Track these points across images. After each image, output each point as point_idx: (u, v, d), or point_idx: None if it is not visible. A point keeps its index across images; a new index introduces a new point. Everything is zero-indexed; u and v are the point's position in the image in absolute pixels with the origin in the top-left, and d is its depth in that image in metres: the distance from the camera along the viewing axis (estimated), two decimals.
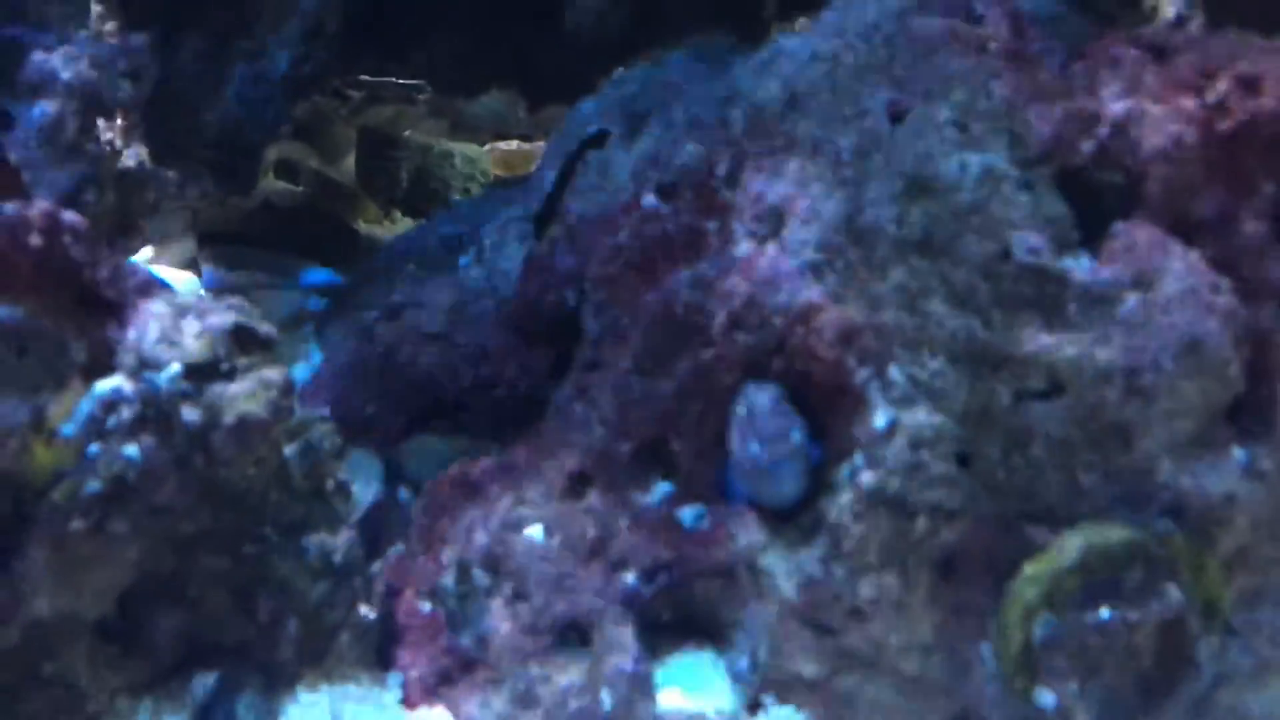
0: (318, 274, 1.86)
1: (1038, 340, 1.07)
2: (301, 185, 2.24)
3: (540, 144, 2.54)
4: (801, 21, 1.59)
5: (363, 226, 2.24)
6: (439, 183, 2.29)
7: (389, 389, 1.40)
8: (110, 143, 1.24)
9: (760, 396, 1.05)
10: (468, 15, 1.83)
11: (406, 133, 2.33)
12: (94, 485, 0.98)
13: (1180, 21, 1.53)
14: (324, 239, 2.12)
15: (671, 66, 1.47)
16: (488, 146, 2.54)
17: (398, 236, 1.80)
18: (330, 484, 1.20)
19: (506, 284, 1.46)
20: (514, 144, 2.56)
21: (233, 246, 1.95)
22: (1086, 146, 1.08)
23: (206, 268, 1.80)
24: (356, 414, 1.40)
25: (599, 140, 1.46)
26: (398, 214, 2.27)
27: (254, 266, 1.88)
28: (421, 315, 1.46)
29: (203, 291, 1.69)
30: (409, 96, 2.13)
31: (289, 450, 1.16)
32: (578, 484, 1.17)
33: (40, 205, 0.99)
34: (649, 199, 1.27)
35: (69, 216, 1.05)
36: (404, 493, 1.34)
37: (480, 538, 1.17)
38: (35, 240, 0.98)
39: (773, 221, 1.14)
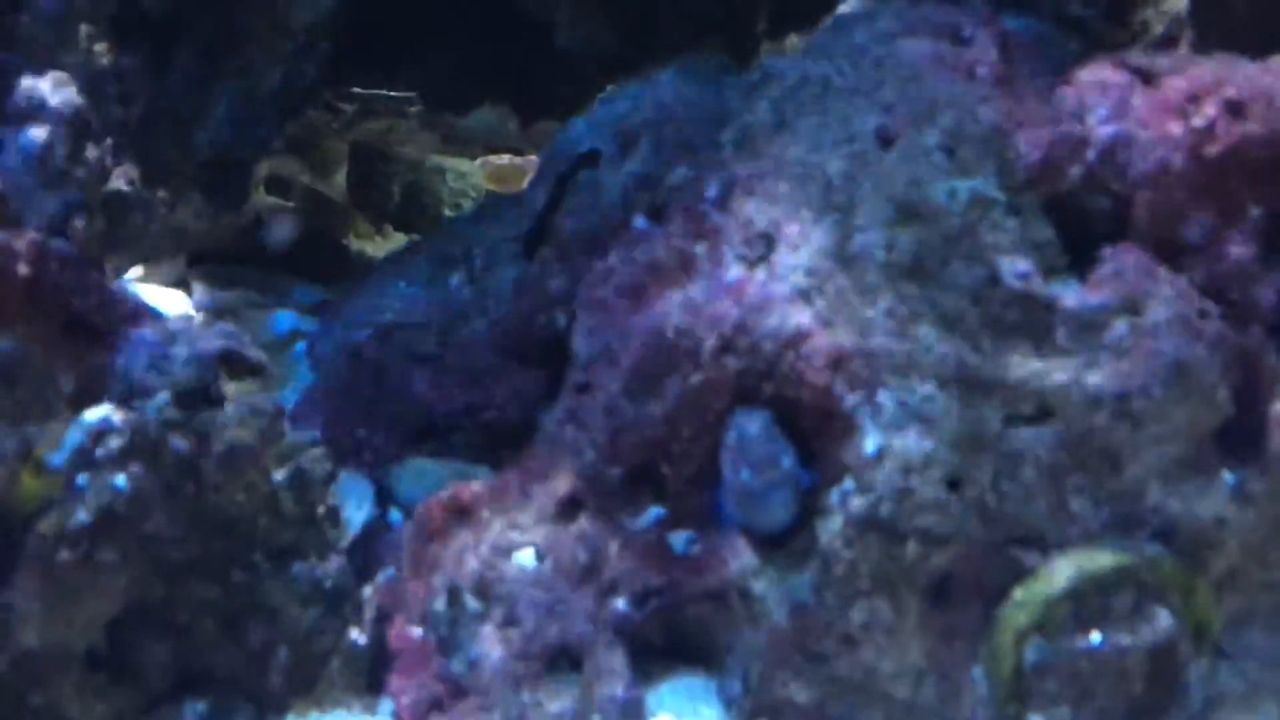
0: (309, 293, 1.86)
1: (1027, 365, 1.07)
2: (293, 201, 2.24)
3: (532, 158, 2.54)
4: (793, 40, 1.60)
5: (354, 242, 2.24)
6: (431, 198, 2.29)
7: (380, 411, 1.40)
8: (100, 165, 1.24)
9: (751, 423, 1.05)
10: (460, 31, 1.83)
11: (398, 148, 2.33)
12: (82, 516, 0.98)
13: (1169, 38, 1.53)
14: (315, 255, 2.12)
15: (662, 85, 1.47)
16: (479, 161, 2.55)
17: (388, 254, 1.80)
18: (321, 509, 1.20)
19: (498, 305, 1.46)
20: (505, 158, 2.56)
21: (223, 265, 1.94)
22: (1074, 171, 1.09)
23: (197, 287, 1.80)
24: (347, 436, 1.39)
25: (590, 159, 1.46)
26: (389, 229, 2.27)
27: (244, 285, 1.87)
28: (412, 336, 1.46)
29: (193, 312, 1.69)
30: (401, 111, 2.13)
31: (279, 476, 1.16)
32: (569, 508, 1.17)
33: (28, 235, 0.99)
34: (639, 221, 1.27)
35: (57, 245, 1.05)
36: (396, 515, 1.34)
37: (471, 562, 1.17)
38: (23, 270, 0.97)
39: (763, 246, 1.14)
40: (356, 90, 2.11)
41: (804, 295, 1.10)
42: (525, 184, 2.65)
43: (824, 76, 1.22)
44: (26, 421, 0.98)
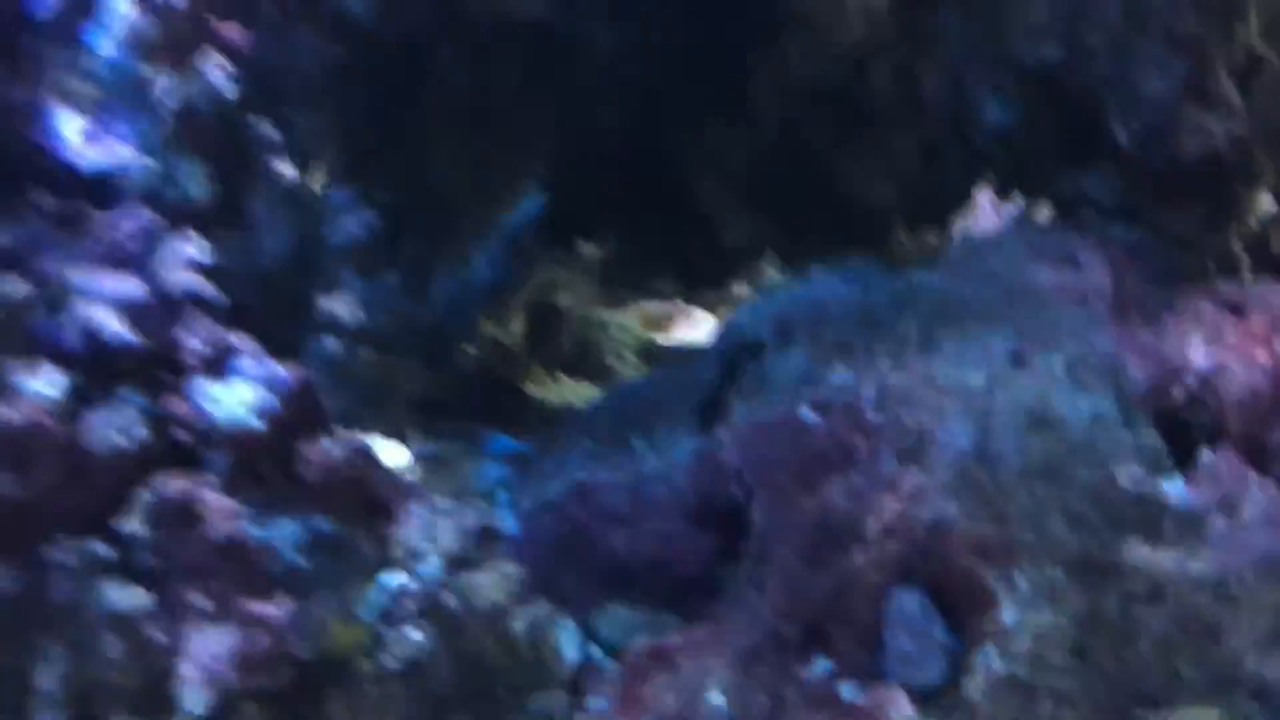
0: (502, 442, 2.14)
1: (1140, 554, 1.29)
2: (477, 349, 2.55)
3: (676, 304, 2.83)
4: (929, 240, 1.85)
5: (531, 389, 2.54)
6: (596, 348, 2.58)
7: (582, 562, 1.66)
8: (371, 360, 1.54)
9: (909, 600, 1.29)
10: (632, 219, 2.13)
11: (568, 302, 2.63)
12: (385, 660, 1.25)
13: (1261, 239, 1.74)
14: (497, 399, 2.42)
15: (816, 284, 1.74)
16: (634, 307, 2.84)
17: (575, 414, 2.08)
18: (546, 650, 1.46)
19: (678, 473, 1.72)
20: (655, 304, 2.86)
21: (426, 414, 2.25)
22: (1176, 392, 1.32)
23: (411, 437, 2.10)
24: (555, 583, 1.66)
25: (755, 349, 1.73)
26: (561, 376, 2.56)
27: (447, 434, 2.17)
28: (606, 498, 1.73)
29: (414, 462, 1.98)
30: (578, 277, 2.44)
31: (518, 625, 1.42)
32: (752, 658, 1.41)
33: (345, 438, 1.29)
34: (805, 413, 1.52)
35: (357, 442, 1.34)
36: (598, 653, 1.59)
37: (670, 701, 1.42)
38: (344, 470, 1.27)
39: (915, 445, 1.38)
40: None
41: (952, 490, 1.34)
42: (670, 329, 2.96)
43: (963, 299, 1.47)
44: (342, 584, 1.26)
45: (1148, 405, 1.34)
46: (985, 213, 1.82)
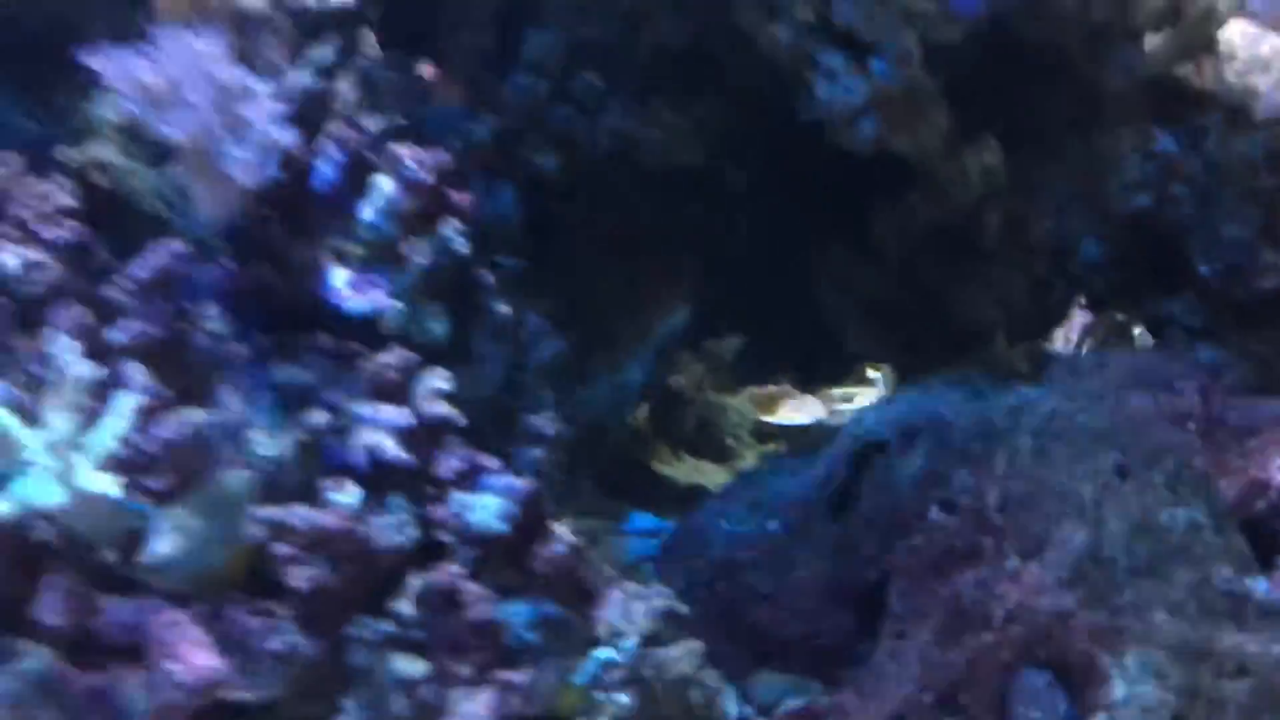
0: (642, 519, 2.42)
1: (1231, 639, 1.53)
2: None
3: (784, 388, 3.10)
4: (1022, 351, 2.10)
5: (657, 466, 2.82)
6: (716, 429, 2.86)
7: (734, 634, 1.93)
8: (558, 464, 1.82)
9: (1036, 679, 1.54)
10: (761, 325, 2.40)
11: (689, 386, 2.91)
12: None
13: None
14: (628, 477, 2.70)
15: (935, 394, 2.00)
16: (745, 392, 3.12)
17: (709, 495, 2.35)
18: (716, 712, 1.72)
19: (816, 557, 1.99)
20: (767, 389, 3.13)
21: (569, 494, 2.53)
22: (1260, 505, 1.56)
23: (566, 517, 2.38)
24: (711, 652, 1.92)
25: (880, 447, 1.99)
26: (685, 455, 2.84)
27: (594, 512, 2.45)
28: (752, 577, 1.99)
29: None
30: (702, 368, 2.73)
31: (694, 691, 1.68)
32: None
33: (564, 535, 1.57)
34: (935, 513, 1.78)
35: (572, 539, 1.62)
36: (753, 713, 1.85)
37: None
38: (564, 562, 1.54)
39: (1034, 545, 1.64)
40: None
41: (1069, 585, 1.59)
42: (779, 410, 3.24)
43: (1071, 416, 1.73)
44: (563, 656, 1.53)
45: (1236, 515, 1.58)
46: (1080, 328, 2.08)
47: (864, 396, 2.94)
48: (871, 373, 2.78)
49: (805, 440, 2.90)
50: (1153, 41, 1.73)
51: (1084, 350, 2.07)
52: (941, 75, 1.68)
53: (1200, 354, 1.87)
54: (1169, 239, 1.86)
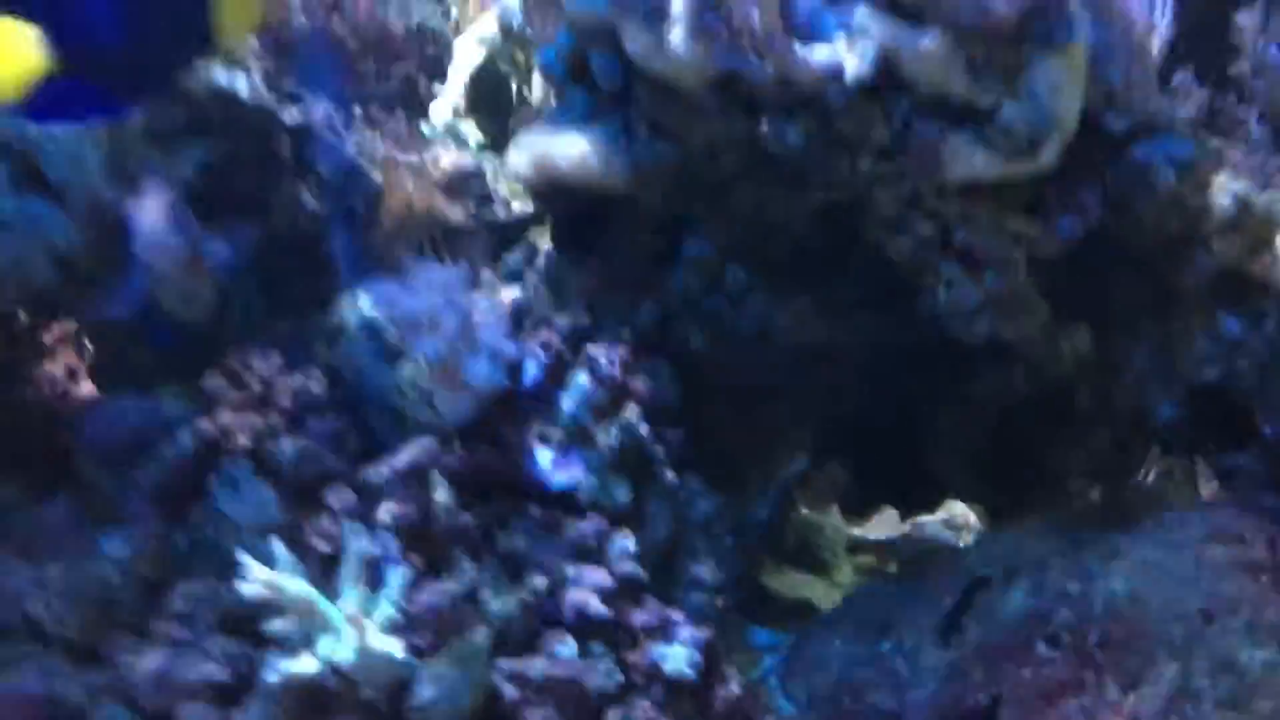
0: (764, 635, 2.71)
1: None
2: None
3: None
4: (1106, 496, 2.39)
5: (766, 581, 3.11)
6: (815, 546, 3.15)
7: None
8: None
9: None
10: (869, 469, 2.71)
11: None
12: None
13: None
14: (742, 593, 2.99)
15: (1034, 539, 2.29)
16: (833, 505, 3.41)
17: (822, 618, 2.64)
18: None
19: (929, 677, 2.28)
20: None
21: None
22: None
23: None
24: None
25: (985, 582, 2.28)
26: (788, 569, 3.13)
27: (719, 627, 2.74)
28: (873, 696, 2.28)
29: None
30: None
31: None
32: None
33: (737, 677, 1.87)
34: (1041, 648, 2.07)
35: (743, 680, 1.92)
36: None
37: None
38: (736, 702, 1.85)
39: (1132, 679, 1.92)
40: None
41: (1162, 713, 1.87)
42: (867, 524, 3.55)
43: (1159, 564, 2.02)
44: None
45: None
46: (1156, 474, 2.37)
47: (935, 516, 3.25)
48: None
49: (893, 554, 3.21)
50: (1220, 243, 2.04)
51: (1158, 493, 2.37)
52: (1043, 277, 2.00)
53: (1264, 500, 2.16)
54: (1236, 403, 2.15)
